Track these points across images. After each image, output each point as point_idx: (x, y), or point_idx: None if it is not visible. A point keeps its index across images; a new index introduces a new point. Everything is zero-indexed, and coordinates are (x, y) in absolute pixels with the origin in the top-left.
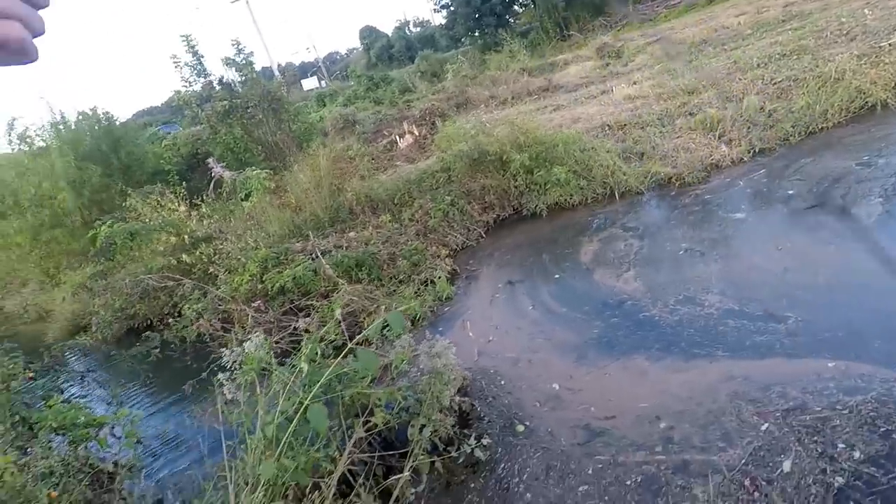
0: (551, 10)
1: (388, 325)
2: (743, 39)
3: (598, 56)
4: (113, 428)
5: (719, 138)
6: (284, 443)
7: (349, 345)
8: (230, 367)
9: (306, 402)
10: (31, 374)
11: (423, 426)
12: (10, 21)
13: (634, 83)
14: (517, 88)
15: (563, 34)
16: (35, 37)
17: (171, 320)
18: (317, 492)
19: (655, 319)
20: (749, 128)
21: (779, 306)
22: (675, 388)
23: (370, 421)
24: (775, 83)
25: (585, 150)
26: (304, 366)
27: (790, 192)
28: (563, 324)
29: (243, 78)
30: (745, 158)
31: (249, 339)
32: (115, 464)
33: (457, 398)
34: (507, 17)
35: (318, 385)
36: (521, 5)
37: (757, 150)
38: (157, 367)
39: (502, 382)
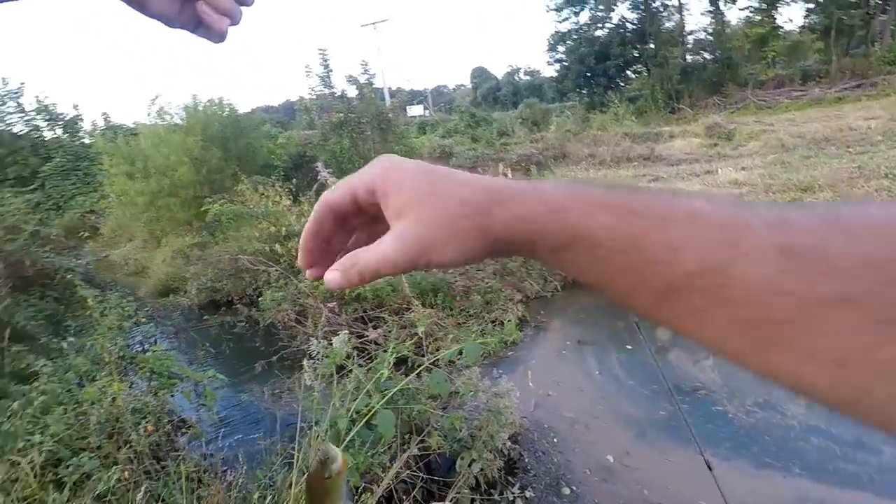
0: (665, 81)
1: (461, 353)
2: (871, 145)
3: (706, 134)
4: (197, 385)
5: None
6: (350, 439)
7: (425, 363)
8: (314, 357)
9: (377, 407)
10: (142, 319)
11: (473, 461)
12: (224, 18)
13: (743, 169)
14: (618, 152)
15: (672, 107)
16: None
17: (248, 302)
18: (364, 495)
19: (729, 416)
20: None
21: (874, 437)
22: (740, 492)
23: (425, 441)
24: None
25: None
26: (385, 371)
27: None
28: (629, 397)
29: (361, 95)
30: None
31: (337, 334)
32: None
33: (508, 443)
34: (619, 80)
35: (391, 393)
36: (634, 72)
37: None
38: (232, 340)
39: (555, 440)
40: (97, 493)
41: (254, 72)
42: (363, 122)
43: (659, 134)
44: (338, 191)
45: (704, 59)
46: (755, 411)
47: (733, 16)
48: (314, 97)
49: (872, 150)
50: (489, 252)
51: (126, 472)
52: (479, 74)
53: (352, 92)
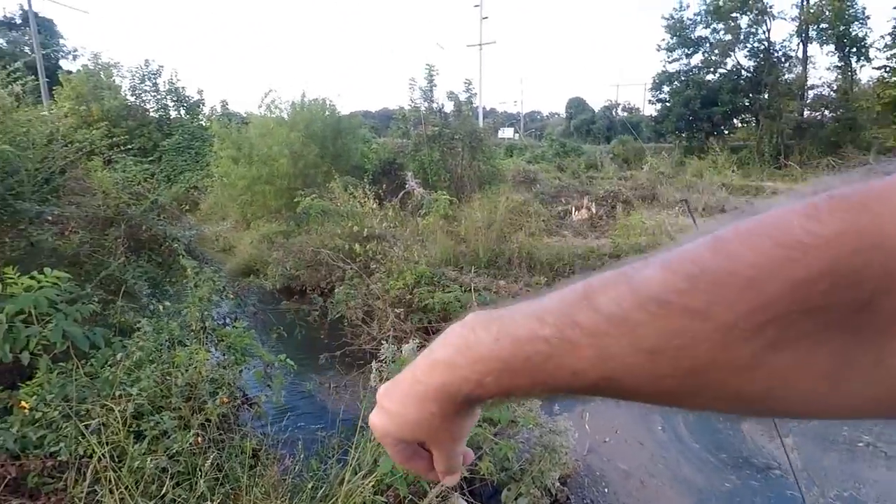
0: (775, 134)
1: None
2: None
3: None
4: (267, 366)
5: None
6: None
7: None
8: (381, 360)
9: None
10: (231, 296)
11: (520, 495)
12: None
13: None
14: (712, 201)
15: (779, 162)
16: None
17: (321, 293)
18: None
19: None
20: None
21: None
22: None
23: (475, 465)
24: None
25: None
26: None
27: None
28: (693, 461)
29: (457, 112)
30: None
31: (404, 341)
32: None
33: (558, 483)
34: (723, 127)
35: None
36: (742, 121)
37: None
38: (300, 329)
39: (606, 490)
40: (172, 451)
41: (359, 76)
42: (456, 139)
43: (760, 188)
44: (393, 453)
45: (824, 116)
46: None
47: (865, 75)
48: (413, 108)
49: None
50: (476, 408)
51: (199, 438)
52: (576, 105)
53: (448, 107)
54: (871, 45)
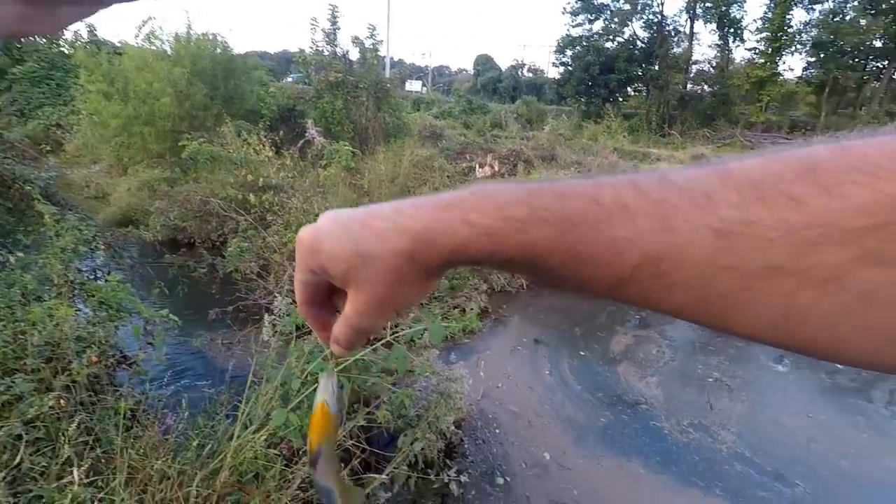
0: (662, 105)
1: (422, 332)
2: None
3: (691, 163)
4: (147, 323)
5: None
6: (298, 401)
7: (387, 337)
8: (275, 313)
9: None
10: (103, 246)
11: (416, 440)
12: None
13: None
14: (604, 164)
15: (664, 131)
16: None
17: (210, 247)
18: (305, 458)
19: (664, 433)
20: None
21: (791, 471)
22: None
23: (372, 414)
24: None
25: None
26: None
27: (839, 365)
28: (574, 400)
29: (363, 60)
30: None
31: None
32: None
33: (452, 427)
34: (618, 95)
35: (348, 361)
36: (634, 90)
37: None
38: (188, 284)
39: (497, 431)
40: (27, 417)
41: (254, 13)
42: (360, 87)
43: (646, 154)
44: (298, 288)
45: (703, 90)
46: (689, 431)
47: (739, 55)
48: (315, 52)
49: None
50: (440, 277)
51: (62, 401)
52: (484, 62)
53: (354, 55)
54: (745, 27)
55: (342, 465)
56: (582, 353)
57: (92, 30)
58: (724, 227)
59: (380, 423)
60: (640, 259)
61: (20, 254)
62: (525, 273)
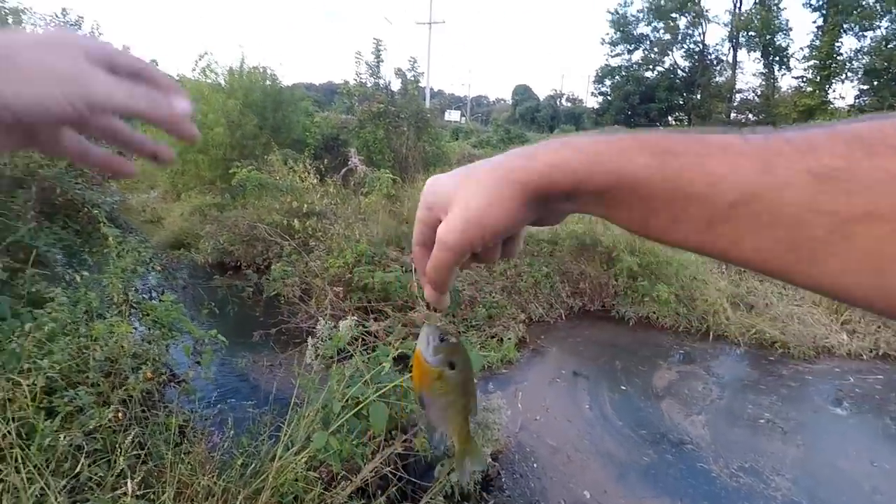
0: None
1: None
2: None
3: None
4: (196, 342)
5: (842, 324)
6: (339, 424)
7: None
8: (318, 336)
9: (372, 397)
10: (159, 267)
11: (452, 471)
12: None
13: None
14: None
15: None
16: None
17: (256, 270)
18: (343, 482)
19: (713, 476)
20: (879, 326)
21: None
22: None
23: (410, 441)
24: None
25: (696, 279)
26: (387, 365)
27: None
28: (616, 437)
29: (404, 91)
30: (865, 356)
31: (344, 318)
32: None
33: (489, 459)
34: (659, 124)
35: (388, 387)
36: (676, 119)
37: (880, 353)
38: (236, 305)
39: (535, 465)
40: (88, 428)
41: (302, 46)
42: (401, 117)
43: None
44: (415, 228)
45: (748, 119)
46: (739, 476)
47: (785, 83)
48: (359, 83)
49: None
50: (532, 209)
51: (119, 414)
52: (522, 92)
53: (395, 86)
54: (791, 56)
55: (465, 422)
56: (623, 388)
57: (154, 62)
58: (825, 173)
59: (417, 451)
60: (738, 196)
61: (86, 273)
62: (616, 209)
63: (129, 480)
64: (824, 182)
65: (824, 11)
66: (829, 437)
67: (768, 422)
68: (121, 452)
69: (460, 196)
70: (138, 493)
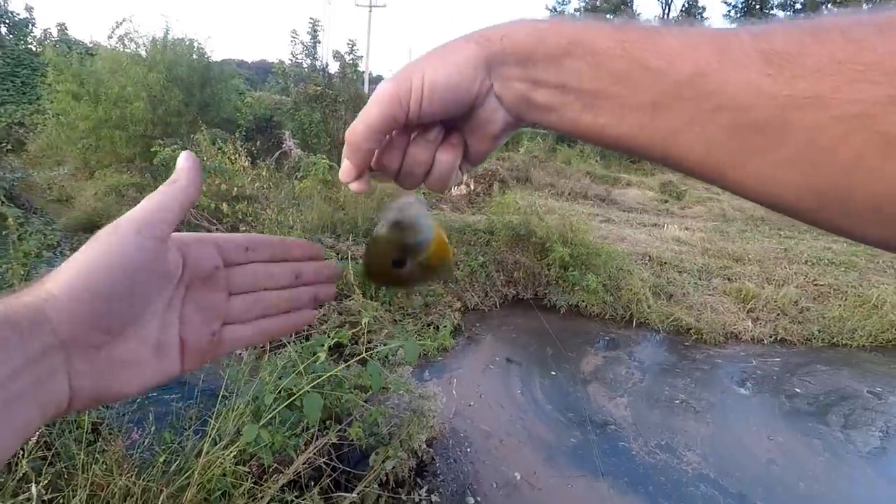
0: None
1: (396, 349)
2: (799, 232)
3: (660, 190)
4: None
5: (748, 312)
6: (270, 416)
7: (362, 354)
8: None
9: (306, 388)
10: (69, 252)
11: (388, 458)
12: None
13: (686, 229)
14: (577, 188)
15: (634, 158)
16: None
17: None
18: (275, 475)
19: (633, 453)
20: (779, 314)
21: (754, 492)
22: None
23: (345, 431)
24: (816, 285)
25: (622, 269)
26: (323, 355)
27: (798, 390)
28: (545, 420)
29: (342, 73)
30: (766, 341)
31: None
32: None
33: (424, 445)
34: None
35: (323, 377)
36: None
37: (779, 339)
38: None
39: (468, 450)
40: None
41: (233, 20)
42: (340, 101)
43: (617, 179)
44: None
45: None
46: (656, 452)
47: None
48: (294, 64)
49: (799, 237)
50: (482, 77)
51: None
52: None
53: (333, 68)
54: None
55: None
56: (553, 373)
57: (62, 28)
58: (776, 56)
59: (351, 440)
60: (691, 72)
61: None
62: (562, 92)
63: (33, 486)
64: (773, 65)
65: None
66: (735, 415)
67: (682, 402)
68: (23, 455)
69: (417, 64)
70: (45, 497)
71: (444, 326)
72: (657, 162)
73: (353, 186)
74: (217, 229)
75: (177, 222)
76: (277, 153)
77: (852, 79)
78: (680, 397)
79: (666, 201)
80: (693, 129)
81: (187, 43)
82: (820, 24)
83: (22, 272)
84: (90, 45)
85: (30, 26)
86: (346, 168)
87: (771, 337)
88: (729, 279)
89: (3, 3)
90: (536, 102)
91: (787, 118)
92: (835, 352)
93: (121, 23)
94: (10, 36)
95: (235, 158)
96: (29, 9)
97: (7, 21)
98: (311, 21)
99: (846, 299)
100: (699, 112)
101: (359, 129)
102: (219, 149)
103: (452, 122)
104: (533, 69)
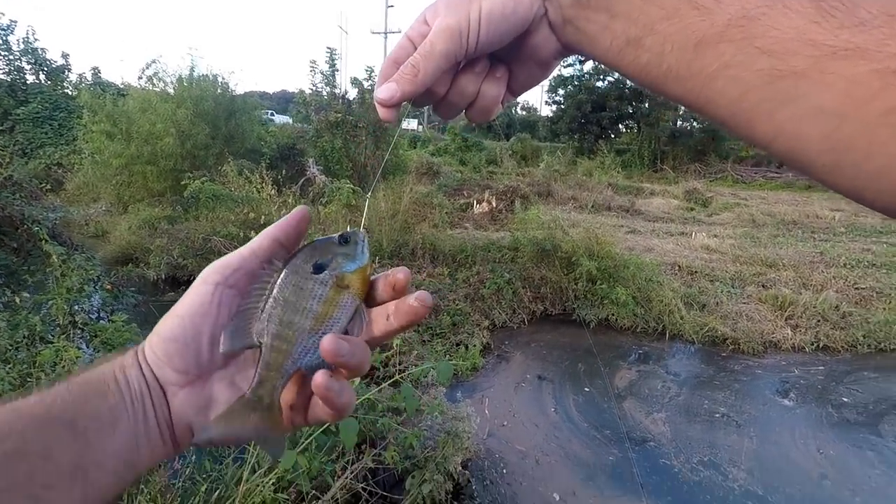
0: (653, 140)
1: (429, 371)
2: (834, 235)
3: (685, 198)
4: None
5: (786, 319)
6: (307, 442)
7: (395, 376)
8: None
9: None
10: (108, 286)
11: (424, 482)
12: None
13: (715, 236)
14: (600, 199)
15: (657, 166)
16: None
17: None
18: (313, 502)
19: (674, 471)
20: (819, 321)
21: None
22: None
23: (380, 455)
24: (857, 288)
25: (652, 281)
26: (357, 379)
27: (845, 399)
28: (581, 438)
29: (361, 100)
30: (807, 349)
31: None
32: None
33: (459, 467)
34: (610, 131)
35: (358, 400)
36: (626, 126)
37: (821, 346)
38: None
39: (504, 471)
40: None
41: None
42: (359, 127)
43: (640, 189)
44: (393, 51)
45: (693, 126)
46: (700, 469)
47: None
48: (314, 92)
49: (835, 240)
50: (538, 3)
51: None
52: None
53: (352, 94)
54: None
55: None
56: (586, 389)
57: (96, 72)
58: (828, 5)
59: (387, 464)
60: (735, 15)
61: (26, 294)
62: (621, 16)
63: None
64: (822, 13)
65: None
66: (780, 428)
67: (723, 416)
68: None
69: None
70: None
71: (474, 345)
72: (689, 106)
73: (383, 113)
74: None
75: (241, 265)
76: (302, 180)
77: (787, 51)
78: (720, 410)
79: (692, 209)
80: (730, 72)
81: (212, 78)
82: None
83: (66, 307)
84: (122, 87)
85: (66, 72)
86: (390, 90)
87: (812, 344)
88: (764, 286)
89: (41, 52)
90: (587, 31)
91: (826, 67)
92: (883, 357)
93: (150, 64)
94: (49, 82)
95: (262, 187)
96: (65, 55)
97: (45, 69)
98: (329, 50)
99: (891, 302)
100: (740, 54)
101: (421, 63)
102: (245, 179)
103: (498, 52)
104: (584, 8)
